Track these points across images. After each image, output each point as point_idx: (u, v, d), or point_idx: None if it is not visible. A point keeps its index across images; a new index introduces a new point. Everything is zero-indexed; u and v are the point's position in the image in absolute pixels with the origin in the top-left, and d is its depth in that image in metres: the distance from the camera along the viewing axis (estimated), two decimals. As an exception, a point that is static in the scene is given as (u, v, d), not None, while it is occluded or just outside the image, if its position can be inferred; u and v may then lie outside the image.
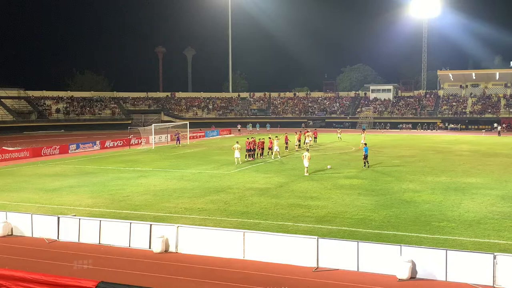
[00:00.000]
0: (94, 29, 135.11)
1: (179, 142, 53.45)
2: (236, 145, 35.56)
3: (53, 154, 44.01)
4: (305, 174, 29.66)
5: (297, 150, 44.35)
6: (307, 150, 32.25)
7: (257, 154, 39.12)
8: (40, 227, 17.03)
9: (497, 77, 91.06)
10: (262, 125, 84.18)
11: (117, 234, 16.12)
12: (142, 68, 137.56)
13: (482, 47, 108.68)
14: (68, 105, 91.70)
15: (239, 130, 77.26)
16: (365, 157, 32.95)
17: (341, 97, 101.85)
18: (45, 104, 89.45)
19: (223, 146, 51.29)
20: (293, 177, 28.96)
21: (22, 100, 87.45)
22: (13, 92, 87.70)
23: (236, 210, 20.40)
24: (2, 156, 39.64)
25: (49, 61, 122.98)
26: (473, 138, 62.70)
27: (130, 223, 16.25)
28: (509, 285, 12.36)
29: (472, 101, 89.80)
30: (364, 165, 32.69)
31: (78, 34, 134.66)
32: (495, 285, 12.45)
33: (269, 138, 40.66)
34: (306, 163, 29.98)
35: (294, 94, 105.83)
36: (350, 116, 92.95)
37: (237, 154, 35.27)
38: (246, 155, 37.73)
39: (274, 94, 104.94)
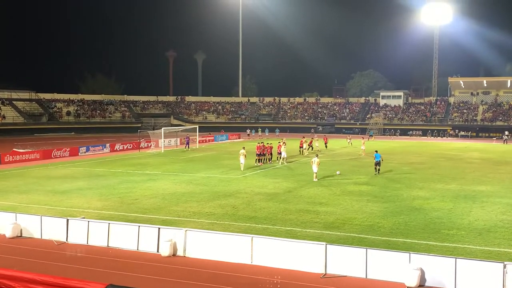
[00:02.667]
0: (106, 33, 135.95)
1: (189, 146, 53.63)
2: (242, 151, 35.17)
3: (63, 156, 44.30)
4: (314, 179, 29.59)
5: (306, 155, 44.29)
6: (317, 155, 32.17)
7: (266, 159, 39.09)
8: (49, 229, 17.11)
9: (509, 84, 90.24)
10: (272, 130, 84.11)
11: (125, 237, 16.18)
12: (152, 72, 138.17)
13: (494, 55, 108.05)
14: (78, 108, 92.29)
15: (248, 134, 77.26)
16: (377, 163, 32.51)
17: (351, 103, 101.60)
18: (56, 106, 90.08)
19: (232, 150, 51.29)
20: (302, 183, 28.90)
21: (34, 102, 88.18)
22: (25, 95, 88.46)
23: (245, 215, 20.39)
24: (13, 158, 39.99)
25: (60, 64, 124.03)
26: (483, 146, 62.26)
27: (139, 226, 16.30)
28: (519, 295, 12.23)
29: (483, 108, 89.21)
30: (377, 172, 32.31)
31: (90, 37, 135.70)
32: (505, 295, 12.33)
33: (278, 143, 40.62)
34: (315, 168, 29.90)
35: (304, 99, 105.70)
36: (360, 122, 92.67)
37: (242, 160, 34.77)
38: (256, 159, 37.71)
39: (283, 99, 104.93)
